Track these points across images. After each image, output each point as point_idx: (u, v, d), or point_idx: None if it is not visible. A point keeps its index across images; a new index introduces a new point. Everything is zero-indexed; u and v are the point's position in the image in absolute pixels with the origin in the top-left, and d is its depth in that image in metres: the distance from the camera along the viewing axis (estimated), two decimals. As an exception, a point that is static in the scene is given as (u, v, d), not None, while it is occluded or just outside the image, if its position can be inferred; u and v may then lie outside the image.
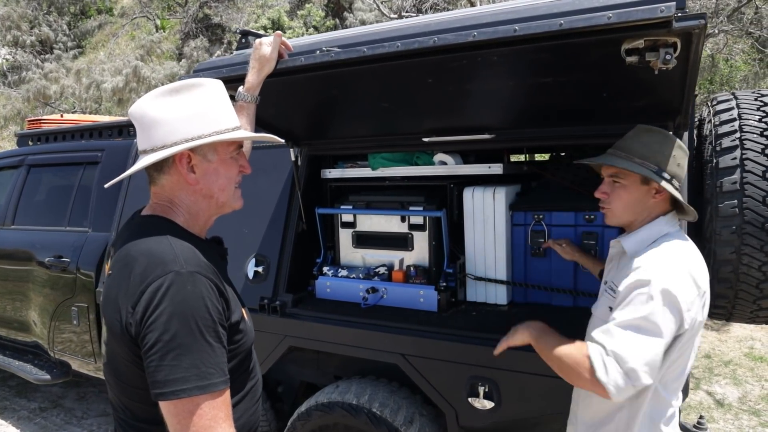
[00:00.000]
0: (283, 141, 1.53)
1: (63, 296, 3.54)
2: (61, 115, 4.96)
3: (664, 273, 1.43)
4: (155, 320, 1.09)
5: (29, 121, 5.00)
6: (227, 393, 1.15)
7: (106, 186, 1.46)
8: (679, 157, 1.57)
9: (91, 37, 19.36)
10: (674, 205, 1.61)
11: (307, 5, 15.59)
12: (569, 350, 1.48)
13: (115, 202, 3.43)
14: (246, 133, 1.34)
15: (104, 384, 1.32)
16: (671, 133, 1.65)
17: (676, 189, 1.55)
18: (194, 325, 1.10)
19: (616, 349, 1.40)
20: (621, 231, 2.35)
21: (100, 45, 18.63)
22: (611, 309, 1.53)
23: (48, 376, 3.71)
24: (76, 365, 3.68)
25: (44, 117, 4.98)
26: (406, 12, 10.82)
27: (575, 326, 2.00)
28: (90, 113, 13.56)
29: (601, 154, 1.65)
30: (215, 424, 1.09)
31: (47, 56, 17.85)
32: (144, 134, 1.27)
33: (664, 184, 1.52)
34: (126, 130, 3.76)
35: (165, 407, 1.10)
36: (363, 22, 13.92)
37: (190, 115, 1.25)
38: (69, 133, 4.11)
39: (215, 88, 1.32)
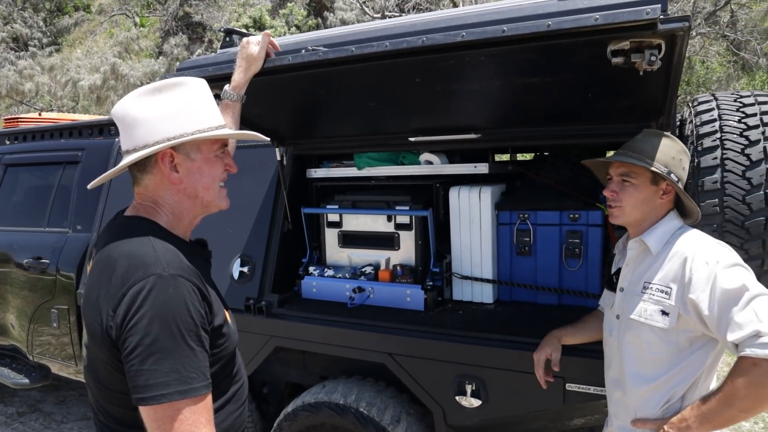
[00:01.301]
0: (267, 139, 1.52)
1: (42, 298, 3.47)
2: (39, 114, 4.86)
3: (717, 250, 1.49)
4: (136, 324, 1.08)
5: (6, 119, 4.90)
6: (209, 398, 1.13)
7: (89, 187, 1.43)
8: (684, 161, 1.62)
9: (68, 34, 19.02)
10: (675, 206, 1.66)
11: (289, 4, 15.52)
12: (744, 384, 1.36)
13: (96, 203, 3.37)
14: (229, 130, 1.33)
15: (84, 387, 1.31)
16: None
17: (683, 191, 1.60)
18: (176, 328, 1.09)
19: None
20: (605, 233, 2.40)
21: (78, 42, 18.32)
22: (664, 312, 1.52)
23: (26, 380, 3.64)
24: (56, 368, 3.61)
25: (22, 115, 4.89)
26: (389, 12, 10.83)
27: (560, 324, 2.03)
28: (67, 111, 13.32)
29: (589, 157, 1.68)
30: (196, 430, 1.08)
31: (22, 53, 17.48)
32: (126, 134, 1.26)
33: (673, 184, 1.57)
34: (107, 129, 3.69)
35: (145, 412, 1.08)
36: (344, 22, 13.92)
37: (172, 113, 1.23)
38: (48, 132, 4.03)
39: (198, 86, 1.30)
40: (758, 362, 1.33)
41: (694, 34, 9.52)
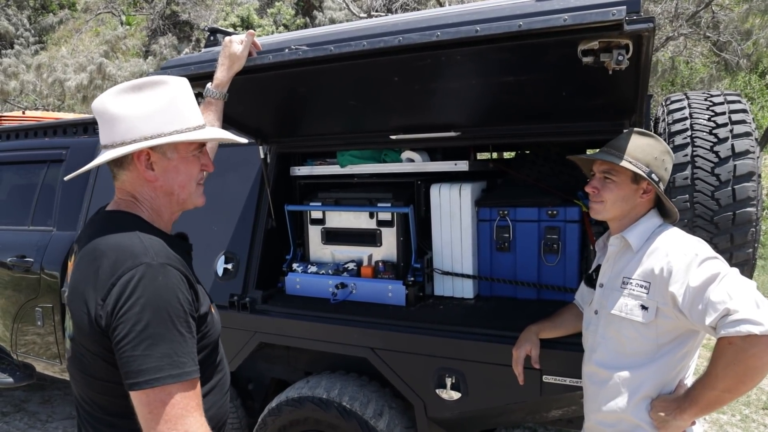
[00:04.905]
0: (244, 140, 1.52)
1: (26, 297, 3.46)
2: (23, 112, 4.84)
3: (696, 244, 1.53)
4: (127, 311, 1.10)
5: (-11, 118, 4.87)
6: (198, 382, 1.16)
7: (66, 179, 1.46)
8: (667, 162, 1.65)
9: (52, 32, 18.82)
10: (656, 206, 1.69)
11: (277, 3, 15.48)
12: (729, 362, 1.38)
13: (80, 201, 3.37)
14: (204, 134, 1.33)
15: (69, 386, 1.32)
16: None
17: (662, 191, 1.63)
18: (166, 315, 1.11)
19: (746, 297, 1.37)
20: (583, 229, 2.45)
21: (63, 41, 18.14)
22: (644, 307, 1.56)
23: (11, 380, 3.62)
24: (41, 367, 3.61)
25: (5, 114, 4.86)
26: (376, 11, 10.86)
27: (539, 317, 2.08)
28: (53, 110, 13.19)
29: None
30: (187, 413, 1.10)
31: (6, 51, 17.28)
32: (105, 129, 1.28)
33: (653, 184, 1.60)
34: (91, 127, 3.69)
35: (137, 397, 1.10)
36: (332, 21, 13.91)
37: (151, 112, 1.25)
38: (32, 131, 4.02)
39: (179, 85, 1.32)
40: (732, 341, 1.36)
41: (677, 35, 9.65)
